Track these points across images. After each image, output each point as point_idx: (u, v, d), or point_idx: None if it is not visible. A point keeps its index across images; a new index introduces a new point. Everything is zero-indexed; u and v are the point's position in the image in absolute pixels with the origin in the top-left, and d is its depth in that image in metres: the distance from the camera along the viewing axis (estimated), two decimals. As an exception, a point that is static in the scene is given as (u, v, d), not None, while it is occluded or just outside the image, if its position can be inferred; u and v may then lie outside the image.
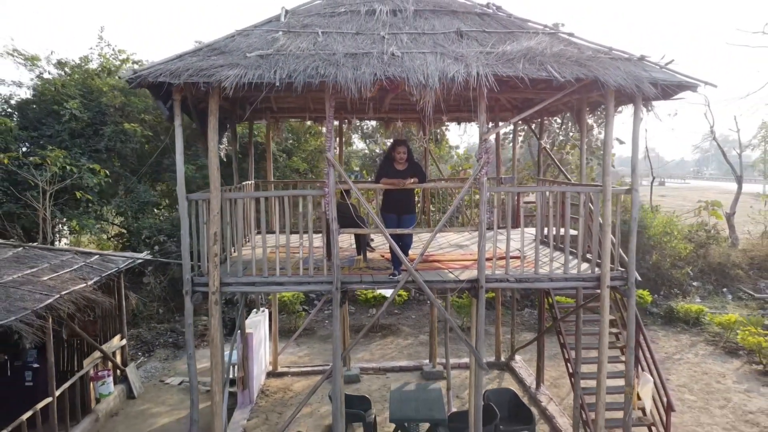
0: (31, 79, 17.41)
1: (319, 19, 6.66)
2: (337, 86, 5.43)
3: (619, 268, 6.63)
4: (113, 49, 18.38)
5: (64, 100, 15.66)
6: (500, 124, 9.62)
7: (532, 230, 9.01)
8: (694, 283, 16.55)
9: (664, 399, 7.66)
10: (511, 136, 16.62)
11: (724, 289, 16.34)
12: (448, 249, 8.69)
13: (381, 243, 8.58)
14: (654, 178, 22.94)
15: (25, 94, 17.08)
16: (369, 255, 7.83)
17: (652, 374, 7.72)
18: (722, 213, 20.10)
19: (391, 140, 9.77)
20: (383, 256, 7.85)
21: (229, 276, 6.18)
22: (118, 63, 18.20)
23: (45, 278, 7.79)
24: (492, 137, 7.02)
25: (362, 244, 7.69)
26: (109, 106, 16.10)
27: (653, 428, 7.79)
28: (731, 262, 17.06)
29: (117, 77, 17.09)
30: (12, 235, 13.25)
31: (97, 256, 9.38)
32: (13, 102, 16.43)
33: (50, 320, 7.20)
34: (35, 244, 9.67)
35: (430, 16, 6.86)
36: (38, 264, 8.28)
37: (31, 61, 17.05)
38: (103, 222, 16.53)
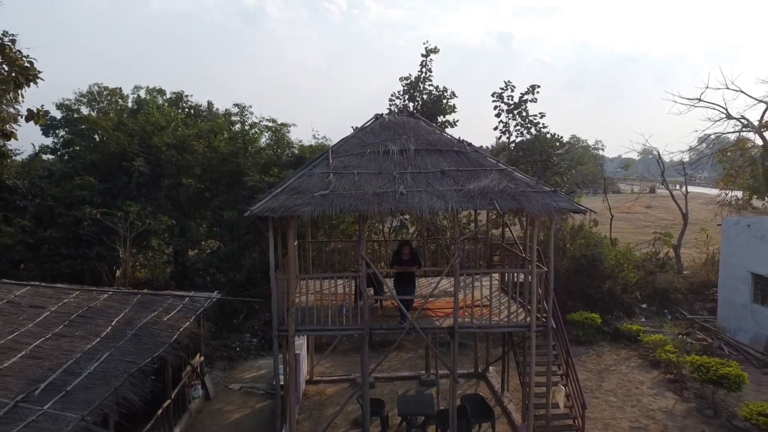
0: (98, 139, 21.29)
1: (354, 159, 10.42)
2: (368, 215, 9.21)
3: (543, 318, 10.33)
4: (163, 111, 22.23)
5: (131, 158, 19.45)
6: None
7: (495, 275, 12.74)
8: (643, 305, 20.33)
9: (581, 401, 11.41)
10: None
11: (666, 311, 20.12)
12: (438, 293, 12.41)
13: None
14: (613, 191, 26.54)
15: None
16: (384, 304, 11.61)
17: (574, 386, 11.49)
18: (673, 243, 23.93)
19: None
20: (393, 304, 11.60)
21: (299, 325, 9.96)
22: (169, 120, 22.03)
23: (165, 319, 11.56)
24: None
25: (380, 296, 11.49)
26: (166, 162, 19.89)
27: (576, 420, 11.57)
28: (673, 287, 20.83)
29: (170, 134, 20.92)
30: (101, 273, 17.08)
31: (187, 299, 13.14)
32: (90, 159, 20.20)
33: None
34: (145, 290, 13.37)
35: (424, 154, 10.62)
36: (155, 307, 12.03)
37: (97, 125, 20.91)
38: (165, 255, 20.27)
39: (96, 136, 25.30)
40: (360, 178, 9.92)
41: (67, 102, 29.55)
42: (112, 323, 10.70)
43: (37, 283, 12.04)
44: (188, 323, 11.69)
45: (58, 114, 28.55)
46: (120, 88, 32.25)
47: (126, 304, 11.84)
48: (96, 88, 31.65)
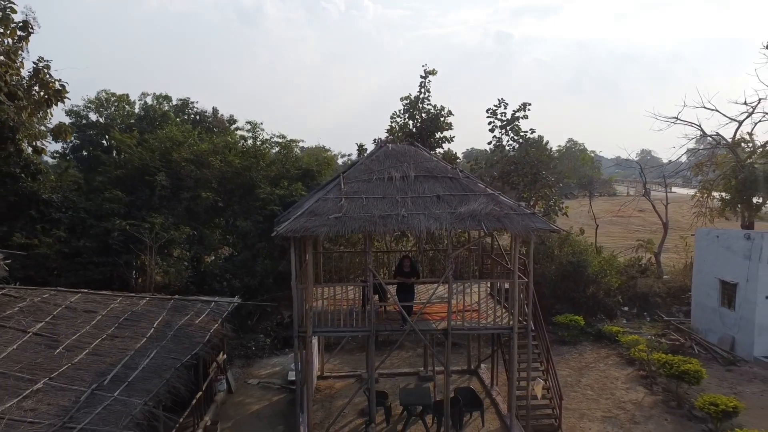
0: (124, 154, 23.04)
1: (362, 185, 12.13)
2: (374, 234, 10.93)
3: (524, 322, 12.04)
4: (181, 128, 23.95)
5: (153, 173, 21.15)
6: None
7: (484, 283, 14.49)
8: (624, 308, 22.06)
9: (558, 393, 13.13)
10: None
11: (645, 313, 21.85)
12: (435, 300, 14.11)
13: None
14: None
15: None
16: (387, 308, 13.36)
17: (553, 380, 13.21)
18: (655, 250, 25.65)
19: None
20: (395, 309, 13.33)
21: (315, 327, 11.68)
22: (186, 136, 23.75)
23: (197, 321, 13.25)
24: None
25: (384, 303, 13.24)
26: (185, 176, 21.59)
27: (554, 410, 13.29)
28: (653, 292, 22.57)
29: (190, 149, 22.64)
30: (129, 279, 18.77)
31: (213, 303, 14.84)
32: (116, 174, 21.92)
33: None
34: (177, 296, 15.07)
35: (423, 180, 12.34)
36: (187, 311, 13.70)
37: (122, 142, 22.64)
38: (184, 262, 21.99)
39: (104, 141, 27.08)
40: (368, 202, 11.63)
41: (76, 108, 31.22)
42: (154, 325, 12.39)
43: (86, 290, 13.72)
44: (216, 325, 13.40)
45: (67, 120, 30.25)
46: (127, 95, 33.86)
47: (162, 309, 13.53)
48: (104, 95, 33.31)
